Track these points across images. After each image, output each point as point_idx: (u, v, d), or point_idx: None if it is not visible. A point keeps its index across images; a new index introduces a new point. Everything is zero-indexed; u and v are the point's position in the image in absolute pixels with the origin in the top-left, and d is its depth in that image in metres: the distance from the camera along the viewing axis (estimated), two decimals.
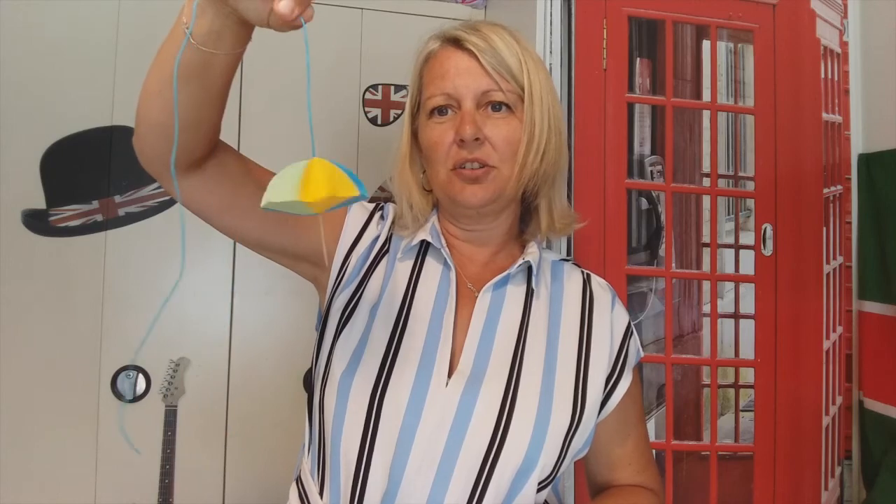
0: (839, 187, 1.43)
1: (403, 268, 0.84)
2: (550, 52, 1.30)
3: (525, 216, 0.90)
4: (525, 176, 0.80)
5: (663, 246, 1.32)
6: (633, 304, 1.30)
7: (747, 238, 1.36)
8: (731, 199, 1.36)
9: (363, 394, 0.75)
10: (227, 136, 0.75)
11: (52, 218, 1.51)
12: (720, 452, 1.32)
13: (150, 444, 1.52)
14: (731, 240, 1.36)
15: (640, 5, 1.32)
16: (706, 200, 1.35)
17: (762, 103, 1.37)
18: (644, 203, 1.32)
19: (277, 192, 0.50)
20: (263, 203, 0.51)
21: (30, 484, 1.47)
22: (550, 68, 1.29)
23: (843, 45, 1.45)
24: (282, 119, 1.60)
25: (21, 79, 1.50)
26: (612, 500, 0.86)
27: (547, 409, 0.76)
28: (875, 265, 1.36)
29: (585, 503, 1.23)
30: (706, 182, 1.35)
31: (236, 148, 0.79)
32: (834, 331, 1.40)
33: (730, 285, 1.35)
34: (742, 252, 1.36)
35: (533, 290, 0.84)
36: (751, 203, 1.36)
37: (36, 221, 1.50)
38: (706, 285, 1.34)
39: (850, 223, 1.42)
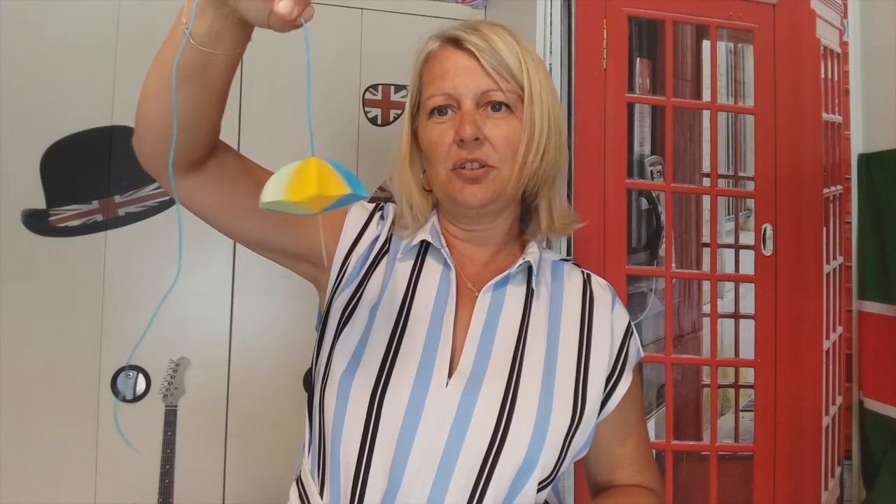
0: (839, 187, 1.43)
1: (403, 268, 0.84)
2: (550, 52, 1.30)
3: (525, 216, 0.90)
4: (525, 176, 0.80)
5: (663, 246, 1.32)
6: (633, 304, 1.30)
7: (747, 238, 1.36)
8: (731, 199, 1.36)
9: (363, 394, 0.75)
10: (227, 136, 0.75)
11: (52, 218, 1.51)
12: (720, 452, 1.32)
13: (150, 444, 1.52)
14: (731, 240, 1.36)
15: (640, 5, 1.32)
16: (706, 200, 1.35)
17: (762, 103, 1.37)
18: (644, 203, 1.32)
19: (268, 192, 0.50)
20: (259, 204, 0.51)
21: (30, 484, 1.47)
22: (550, 68, 1.29)
23: (843, 45, 1.45)
24: (282, 119, 1.60)
25: (21, 79, 1.50)
26: (612, 500, 0.86)
27: (547, 409, 0.76)
28: (875, 265, 1.36)
29: (585, 503, 1.23)
30: (706, 182, 1.35)
31: (236, 148, 0.79)
32: (834, 331, 1.40)
33: (730, 285, 1.35)
34: (742, 252, 1.36)
35: (533, 290, 0.84)
36: (751, 203, 1.36)
37: (36, 221, 1.50)
38: (706, 285, 1.34)
39: (850, 223, 1.42)
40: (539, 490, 0.77)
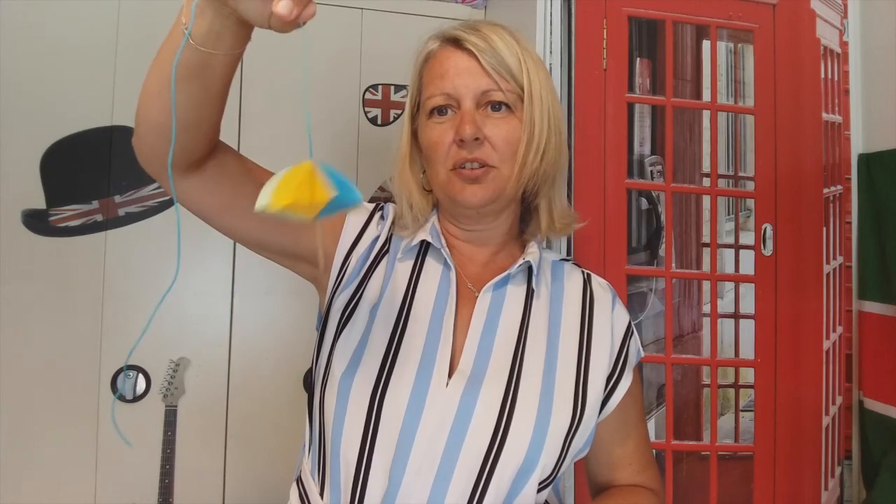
0: (839, 187, 1.43)
1: (403, 268, 0.84)
2: (550, 52, 1.30)
3: (525, 216, 0.90)
4: (525, 176, 0.80)
5: (663, 246, 1.32)
6: (633, 304, 1.30)
7: (747, 238, 1.36)
8: (731, 199, 1.36)
9: (363, 394, 0.75)
10: (227, 136, 0.75)
11: (52, 218, 1.51)
12: (720, 452, 1.32)
13: (150, 444, 1.52)
14: (731, 240, 1.36)
15: (640, 5, 1.32)
16: (706, 200, 1.35)
17: (762, 103, 1.37)
18: (644, 203, 1.32)
19: (259, 199, 0.51)
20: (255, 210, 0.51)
21: (30, 484, 1.47)
22: (550, 68, 1.29)
23: (843, 45, 1.45)
24: (282, 119, 1.60)
25: (21, 79, 1.50)
26: (612, 501, 0.86)
27: (547, 409, 0.76)
28: (875, 265, 1.36)
29: (585, 503, 1.23)
30: (706, 182, 1.35)
31: (236, 148, 0.80)
32: (834, 331, 1.40)
33: (730, 285, 1.35)
34: (742, 252, 1.36)
35: (533, 290, 0.84)
36: (751, 203, 1.36)
37: (36, 221, 1.50)
38: (706, 285, 1.34)
39: (850, 223, 1.42)
40: (539, 490, 0.77)
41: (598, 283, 0.90)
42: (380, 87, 1.70)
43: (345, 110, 1.68)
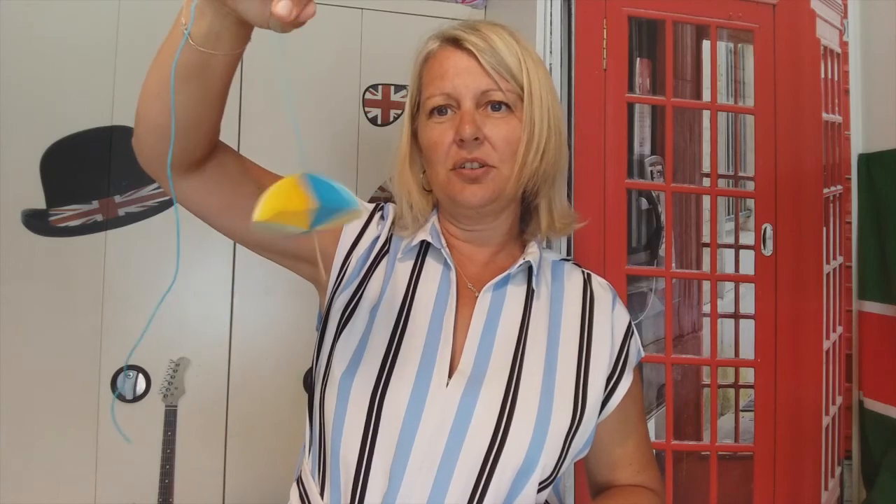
0: (839, 187, 1.43)
1: (403, 268, 0.84)
2: (550, 52, 1.30)
3: (525, 216, 0.90)
4: (525, 175, 0.80)
5: (663, 246, 1.32)
6: (633, 304, 1.30)
7: (747, 238, 1.36)
8: (731, 199, 1.36)
9: (363, 395, 0.75)
10: (227, 136, 0.75)
11: (52, 218, 1.51)
12: (720, 452, 1.32)
13: (150, 444, 1.52)
14: (731, 240, 1.36)
15: (640, 5, 1.32)
16: (706, 200, 1.35)
17: (762, 103, 1.37)
18: (644, 203, 1.32)
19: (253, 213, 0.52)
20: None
21: (30, 484, 1.47)
22: (550, 68, 1.29)
23: (843, 45, 1.44)
24: (282, 119, 1.59)
25: (21, 79, 1.50)
26: (612, 501, 0.86)
27: (547, 409, 0.76)
28: (875, 265, 1.36)
29: (586, 503, 1.23)
30: (706, 182, 1.35)
31: (236, 148, 0.80)
32: (834, 331, 1.40)
33: (730, 285, 1.35)
34: (742, 252, 1.36)
35: (533, 291, 0.84)
36: (751, 203, 1.36)
37: (36, 221, 1.50)
38: (706, 285, 1.34)
39: (850, 223, 1.42)
40: (539, 490, 0.77)
41: (599, 283, 0.90)
42: (380, 87, 1.70)
43: (345, 110, 1.68)
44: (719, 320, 1.34)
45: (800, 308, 1.36)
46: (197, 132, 0.68)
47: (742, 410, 1.34)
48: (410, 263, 0.85)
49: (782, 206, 1.36)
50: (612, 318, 0.86)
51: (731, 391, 1.35)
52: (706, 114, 1.35)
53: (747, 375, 1.34)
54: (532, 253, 0.85)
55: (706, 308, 1.34)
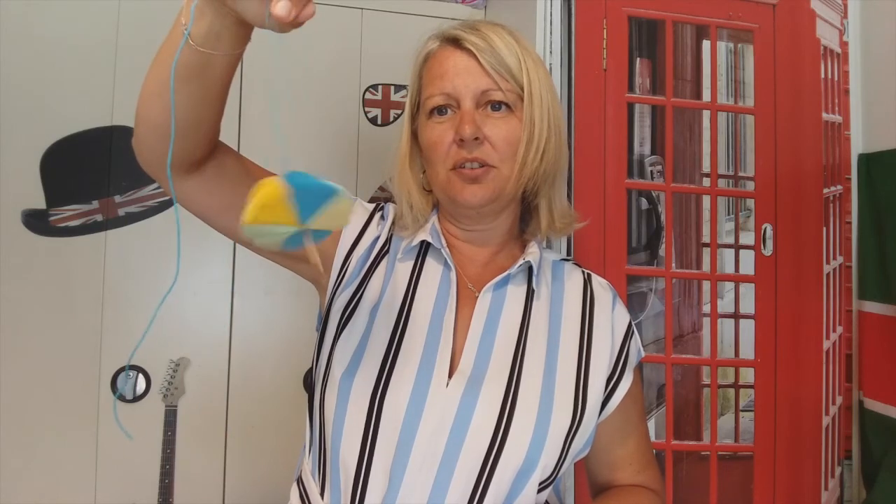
0: (839, 187, 1.42)
1: (404, 268, 0.84)
2: (550, 52, 1.30)
3: (525, 216, 0.90)
4: (525, 175, 0.80)
5: (663, 246, 1.32)
6: (633, 304, 1.30)
7: (747, 238, 1.36)
8: (731, 199, 1.36)
9: (363, 395, 0.75)
10: (227, 136, 0.75)
11: (52, 218, 1.51)
12: (720, 452, 1.32)
13: (150, 444, 1.52)
14: (731, 240, 1.36)
15: (640, 5, 1.32)
16: (706, 200, 1.35)
17: (762, 103, 1.37)
18: (644, 203, 1.32)
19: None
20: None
21: (30, 484, 1.47)
22: (550, 68, 1.29)
23: (843, 45, 1.44)
24: (282, 119, 1.60)
25: (21, 79, 1.50)
26: (613, 501, 0.86)
27: (547, 409, 0.76)
28: (875, 265, 1.36)
29: (586, 503, 1.23)
30: (706, 182, 1.35)
31: (236, 148, 0.80)
32: (834, 331, 1.40)
33: (730, 285, 1.35)
34: (742, 252, 1.36)
35: (533, 291, 0.84)
36: (751, 203, 1.36)
37: (36, 221, 1.50)
38: (706, 285, 1.34)
39: (850, 223, 1.42)
40: (539, 491, 0.77)
41: (599, 283, 0.90)
42: (380, 87, 1.70)
43: (345, 110, 1.68)
44: (719, 320, 1.34)
45: (800, 308, 1.36)
46: (197, 132, 0.68)
47: (742, 410, 1.34)
48: (410, 263, 0.85)
49: (782, 206, 1.36)
50: (612, 319, 0.86)
51: (731, 391, 1.35)
52: (706, 114, 1.35)
53: (747, 375, 1.34)
54: (532, 253, 0.84)
55: (706, 308, 1.34)
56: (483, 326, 0.80)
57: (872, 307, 1.37)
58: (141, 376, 1.53)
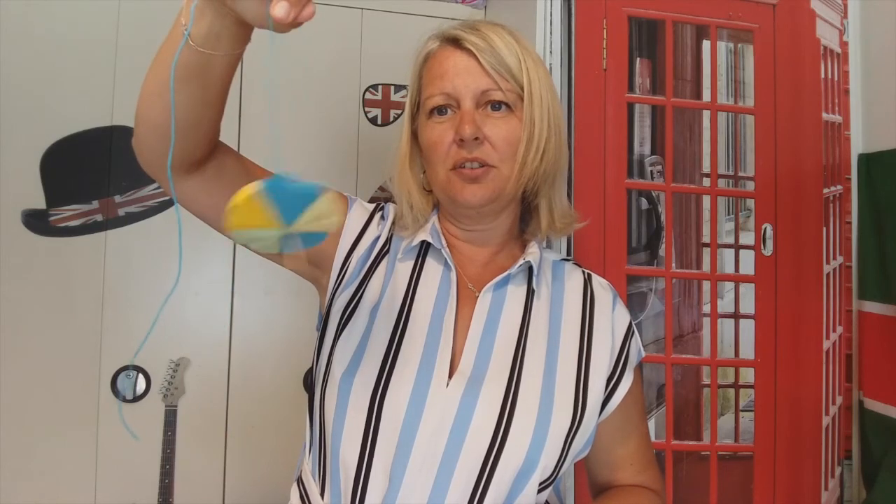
0: (839, 187, 1.42)
1: (404, 268, 0.84)
2: (550, 52, 1.30)
3: (525, 216, 0.90)
4: (525, 175, 0.80)
5: (663, 246, 1.32)
6: (633, 304, 1.30)
7: (747, 238, 1.35)
8: (731, 199, 1.36)
9: (363, 395, 0.75)
10: (227, 136, 0.74)
11: (52, 218, 1.51)
12: (720, 452, 1.32)
13: (150, 444, 1.52)
14: (731, 240, 1.36)
15: (640, 5, 1.32)
16: (706, 200, 1.35)
17: (762, 103, 1.37)
18: (644, 203, 1.32)
19: None
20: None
21: (30, 484, 1.47)
22: (550, 68, 1.29)
23: (843, 45, 1.44)
24: (282, 119, 1.60)
25: (21, 79, 1.50)
26: (613, 501, 0.86)
27: (548, 409, 0.76)
28: (875, 265, 1.36)
29: (586, 503, 1.23)
30: (706, 182, 1.35)
31: (236, 148, 0.79)
32: (834, 331, 1.40)
33: (730, 285, 1.35)
34: (742, 252, 1.36)
35: (534, 291, 0.84)
36: (751, 203, 1.36)
37: (36, 221, 1.50)
38: (706, 285, 1.34)
39: (850, 223, 1.42)
40: (539, 491, 0.77)
41: (599, 283, 0.90)
42: (380, 87, 1.70)
43: (345, 110, 1.68)
44: (719, 320, 1.34)
45: (800, 308, 1.36)
46: (197, 132, 0.68)
47: (742, 410, 1.34)
48: (410, 264, 0.85)
49: (782, 206, 1.36)
50: (612, 319, 0.86)
51: (731, 391, 1.35)
52: (706, 114, 1.35)
53: (747, 375, 1.34)
54: (532, 253, 0.84)
55: (706, 308, 1.34)
56: (483, 326, 0.80)
57: (872, 307, 1.37)
58: (141, 376, 1.53)
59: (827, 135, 1.41)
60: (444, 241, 0.83)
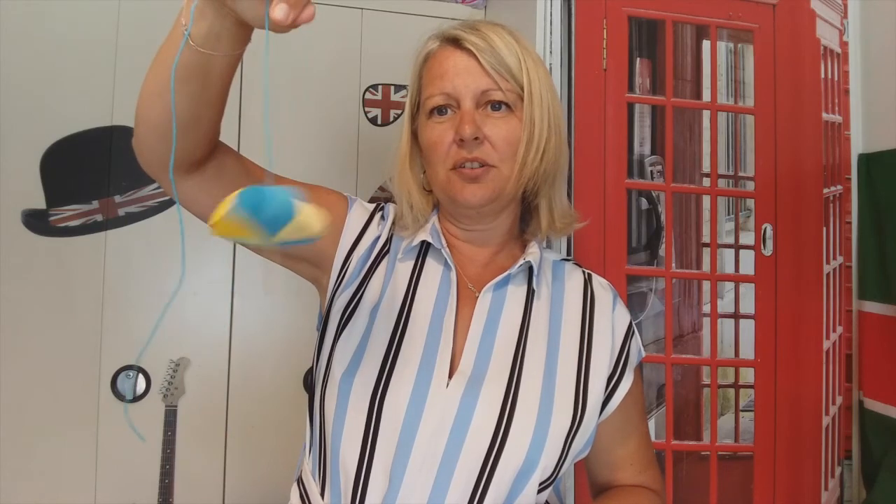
0: (839, 187, 1.42)
1: (404, 268, 0.84)
2: (550, 52, 1.30)
3: (525, 216, 0.90)
4: (525, 175, 0.80)
5: (663, 246, 1.32)
6: (633, 304, 1.30)
7: (747, 238, 1.35)
8: (731, 199, 1.36)
9: (363, 395, 0.75)
10: (227, 136, 0.74)
11: (52, 218, 1.51)
12: (720, 452, 1.32)
13: (150, 444, 1.52)
14: (731, 240, 1.36)
15: (640, 5, 1.32)
16: (706, 200, 1.35)
17: (762, 103, 1.37)
18: (644, 203, 1.32)
19: None
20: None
21: (30, 484, 1.47)
22: (550, 68, 1.29)
23: (843, 45, 1.44)
24: (282, 119, 1.60)
25: (21, 79, 1.50)
26: (613, 501, 0.86)
27: (548, 410, 0.76)
28: (875, 265, 1.36)
29: (586, 503, 1.23)
30: (706, 182, 1.35)
31: (236, 148, 0.79)
32: (834, 331, 1.40)
33: (730, 285, 1.35)
34: (742, 252, 1.36)
35: (534, 291, 0.84)
36: (751, 203, 1.36)
37: (36, 221, 1.50)
38: (706, 285, 1.34)
39: (850, 223, 1.42)
40: (540, 491, 0.77)
41: (599, 283, 0.90)
42: (380, 87, 1.70)
43: (345, 110, 1.68)
44: (719, 320, 1.34)
45: (800, 308, 1.36)
46: (197, 132, 0.68)
47: (742, 410, 1.34)
48: (411, 264, 0.85)
49: (782, 206, 1.36)
50: (612, 319, 0.86)
51: (731, 391, 1.35)
52: (706, 114, 1.35)
53: (747, 375, 1.34)
54: (532, 253, 0.84)
55: (706, 308, 1.34)
56: (483, 327, 0.80)
57: (872, 307, 1.37)
58: (141, 376, 1.53)
59: (827, 135, 1.41)
60: (444, 241, 0.83)
